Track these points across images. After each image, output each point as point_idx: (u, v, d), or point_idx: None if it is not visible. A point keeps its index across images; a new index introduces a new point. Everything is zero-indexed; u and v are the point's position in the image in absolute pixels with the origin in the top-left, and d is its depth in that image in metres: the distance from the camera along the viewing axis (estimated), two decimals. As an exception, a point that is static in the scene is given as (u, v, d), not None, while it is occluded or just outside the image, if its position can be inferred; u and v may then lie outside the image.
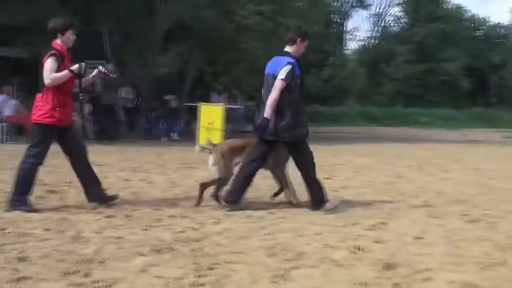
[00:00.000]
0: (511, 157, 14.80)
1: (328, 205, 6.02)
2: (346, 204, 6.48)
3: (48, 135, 5.72)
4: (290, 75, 5.89)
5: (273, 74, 5.96)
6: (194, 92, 21.05)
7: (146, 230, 4.95)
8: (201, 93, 20.71)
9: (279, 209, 6.02)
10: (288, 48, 6.16)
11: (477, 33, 60.13)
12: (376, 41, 56.50)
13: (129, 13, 17.42)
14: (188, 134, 16.26)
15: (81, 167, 5.95)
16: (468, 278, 3.74)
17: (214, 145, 6.33)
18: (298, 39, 6.15)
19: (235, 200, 6.02)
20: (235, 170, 6.23)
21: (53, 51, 5.67)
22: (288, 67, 5.87)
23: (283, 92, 5.87)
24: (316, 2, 28.76)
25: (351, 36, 56.95)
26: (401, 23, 57.83)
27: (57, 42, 5.77)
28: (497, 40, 61.01)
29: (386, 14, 57.16)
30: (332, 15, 51.12)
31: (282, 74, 5.85)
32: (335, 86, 44.05)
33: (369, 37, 57.53)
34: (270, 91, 5.91)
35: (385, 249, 4.50)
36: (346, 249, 4.46)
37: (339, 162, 11.82)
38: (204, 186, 6.21)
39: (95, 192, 5.95)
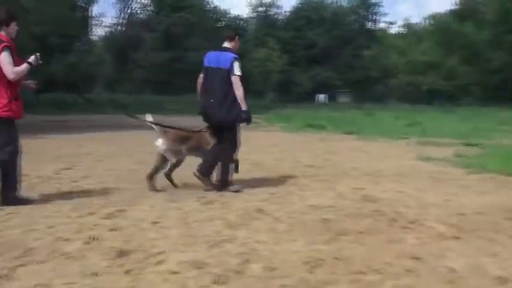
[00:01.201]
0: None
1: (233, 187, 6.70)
2: (85, 194, 6.34)
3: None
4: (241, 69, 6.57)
5: (219, 68, 6.54)
6: None
7: None
8: None
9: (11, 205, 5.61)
10: (227, 44, 6.82)
11: (219, 24, 63.86)
12: (123, 28, 56.23)
13: None
14: None
15: None
16: (197, 257, 3.94)
17: (164, 130, 6.76)
18: (237, 37, 6.92)
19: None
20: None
21: (5, 44, 5.18)
22: (238, 63, 6.55)
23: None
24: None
25: (96, 22, 55.77)
26: (147, 10, 58.51)
27: (1, 33, 5.26)
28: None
29: (132, 1, 57.29)
30: (76, -1, 49.41)
31: (237, 71, 6.51)
32: (81, 73, 42.67)
33: (115, 23, 56.98)
34: (217, 83, 6.55)
35: (121, 236, 4.50)
36: (80, 240, 4.35)
37: (84, 151, 11.50)
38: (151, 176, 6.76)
39: None
